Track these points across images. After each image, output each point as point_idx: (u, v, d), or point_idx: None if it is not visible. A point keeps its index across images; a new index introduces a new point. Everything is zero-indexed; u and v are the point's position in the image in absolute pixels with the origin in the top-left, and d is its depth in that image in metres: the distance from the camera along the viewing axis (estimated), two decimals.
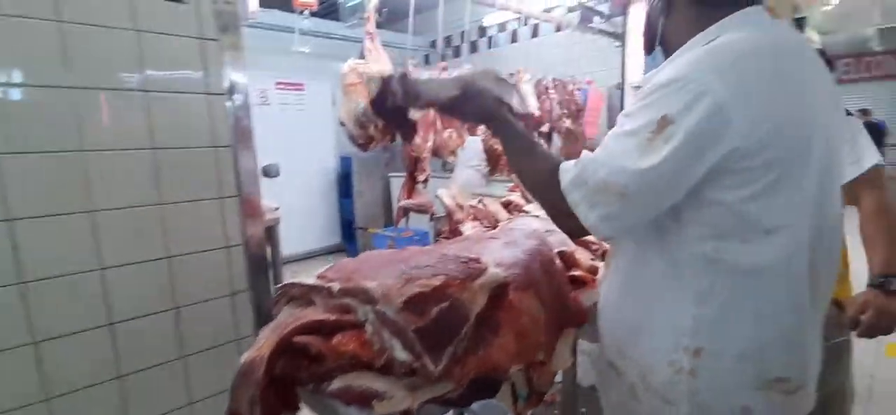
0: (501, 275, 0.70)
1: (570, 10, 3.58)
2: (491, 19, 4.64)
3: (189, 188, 1.20)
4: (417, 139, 2.12)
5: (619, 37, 3.03)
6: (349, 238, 5.30)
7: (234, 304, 1.31)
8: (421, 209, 2.35)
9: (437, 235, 2.05)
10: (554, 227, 0.94)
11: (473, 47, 5.07)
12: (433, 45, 5.56)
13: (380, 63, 1.92)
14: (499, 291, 0.70)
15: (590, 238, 1.59)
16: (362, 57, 1.92)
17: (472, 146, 3.34)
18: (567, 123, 3.21)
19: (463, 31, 5.24)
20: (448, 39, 5.44)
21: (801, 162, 0.67)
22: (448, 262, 0.70)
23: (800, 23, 6.21)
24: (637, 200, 0.67)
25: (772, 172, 0.65)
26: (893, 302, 1.07)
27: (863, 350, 2.71)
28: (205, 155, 1.21)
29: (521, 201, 2.13)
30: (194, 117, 1.19)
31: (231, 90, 1.23)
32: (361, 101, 1.81)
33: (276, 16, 3.96)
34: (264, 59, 4.45)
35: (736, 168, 0.65)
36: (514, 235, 0.94)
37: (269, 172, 4.96)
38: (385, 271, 0.67)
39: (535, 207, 1.84)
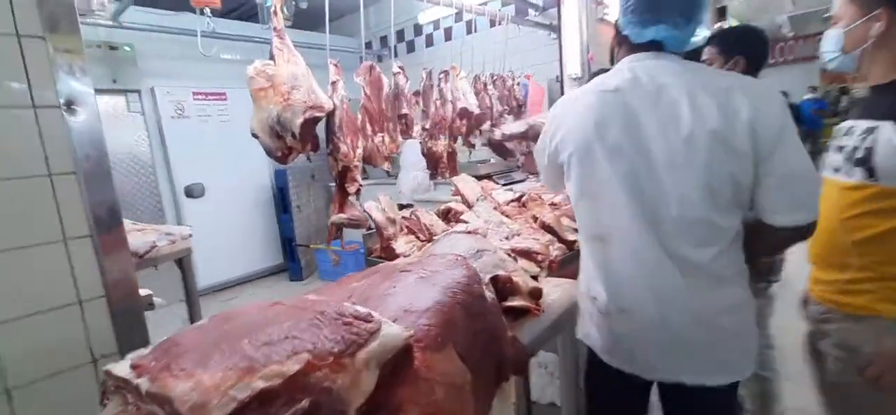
0: (400, 336, 0.50)
1: (505, 3, 3.47)
2: (426, 16, 4.46)
3: (13, 232, 0.91)
4: (343, 147, 1.89)
5: (555, 29, 2.94)
6: (291, 257, 4.94)
7: (97, 373, 1.03)
8: (354, 224, 2.11)
9: (369, 253, 1.83)
10: (487, 245, 0.84)
11: (411, 47, 4.87)
12: (369, 46, 5.31)
13: (291, 64, 1.67)
14: (399, 359, 0.50)
15: (535, 248, 1.44)
16: (271, 58, 1.66)
17: (415, 149, 3.14)
18: (509, 119, 3.09)
19: (398, 31, 5.04)
20: (384, 39, 5.21)
21: (584, 160, 1.03)
22: (323, 325, 0.49)
23: (722, 12, 6.52)
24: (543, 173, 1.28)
25: (567, 166, 1.08)
26: None
27: (786, 311, 2.70)
28: (35, 187, 0.93)
29: (462, 208, 1.95)
30: (15, 138, 0.91)
31: (70, 103, 0.96)
32: (274, 107, 1.57)
33: (186, 19, 3.57)
34: (177, 67, 4.02)
35: (562, 163, 1.10)
36: (433, 265, 0.74)
37: (193, 193, 4.52)
38: (224, 351, 0.45)
39: (473, 216, 1.66)
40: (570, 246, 1.63)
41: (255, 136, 1.58)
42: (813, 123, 8.23)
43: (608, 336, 1.08)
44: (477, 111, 2.70)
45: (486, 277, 0.77)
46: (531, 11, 3.28)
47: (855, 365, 1.08)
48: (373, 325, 0.50)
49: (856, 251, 1.08)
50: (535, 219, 1.89)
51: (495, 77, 2.94)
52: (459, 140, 2.75)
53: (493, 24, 2.83)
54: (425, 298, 0.62)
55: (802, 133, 1.05)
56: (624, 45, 1.08)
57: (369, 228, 2.07)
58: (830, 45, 1.13)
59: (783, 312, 2.04)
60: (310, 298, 0.61)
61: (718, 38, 1.68)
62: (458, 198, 2.22)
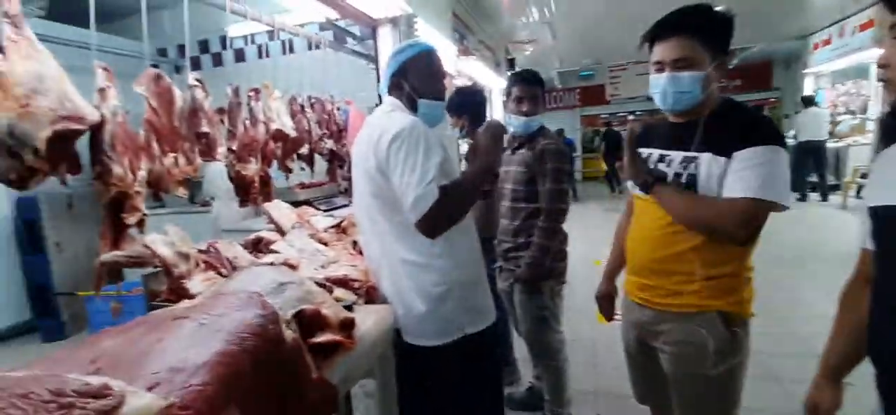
0: (150, 408, 0.40)
1: (322, 27, 3.41)
2: (237, 30, 4.08)
3: None
4: (117, 169, 1.54)
5: (372, 59, 3.00)
6: (45, 310, 3.79)
7: None
8: (135, 262, 1.73)
9: (152, 297, 1.51)
10: (292, 277, 0.76)
11: (217, 60, 4.37)
12: (163, 53, 4.58)
13: (33, 61, 1.30)
14: None
15: (351, 275, 1.39)
16: (1, 51, 1.27)
17: (218, 173, 2.75)
18: (329, 143, 3.00)
19: (202, 41, 4.48)
20: (183, 48, 4.57)
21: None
22: (36, 406, 0.36)
23: (512, 63, 7.73)
24: None
25: None
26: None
27: (578, 321, 3.30)
28: None
29: (274, 237, 1.78)
30: None
31: None
32: (4, 116, 1.20)
33: None
34: None
35: None
36: (218, 308, 0.63)
37: None
38: None
39: (285, 246, 1.53)
40: None
41: None
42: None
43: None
44: (293, 134, 2.55)
45: (289, 314, 0.69)
46: (350, 39, 3.30)
47: (699, 356, 1.20)
48: (108, 401, 0.38)
49: (684, 259, 1.23)
50: (356, 244, 1.85)
51: (314, 100, 2.83)
52: (275, 165, 2.54)
53: (311, 46, 2.74)
54: (202, 351, 0.52)
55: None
56: None
57: (157, 267, 1.72)
58: (689, 85, 1.18)
59: (573, 309, 2.45)
60: (15, 375, 0.44)
61: (448, 104, 2.20)
62: (273, 226, 2.03)
